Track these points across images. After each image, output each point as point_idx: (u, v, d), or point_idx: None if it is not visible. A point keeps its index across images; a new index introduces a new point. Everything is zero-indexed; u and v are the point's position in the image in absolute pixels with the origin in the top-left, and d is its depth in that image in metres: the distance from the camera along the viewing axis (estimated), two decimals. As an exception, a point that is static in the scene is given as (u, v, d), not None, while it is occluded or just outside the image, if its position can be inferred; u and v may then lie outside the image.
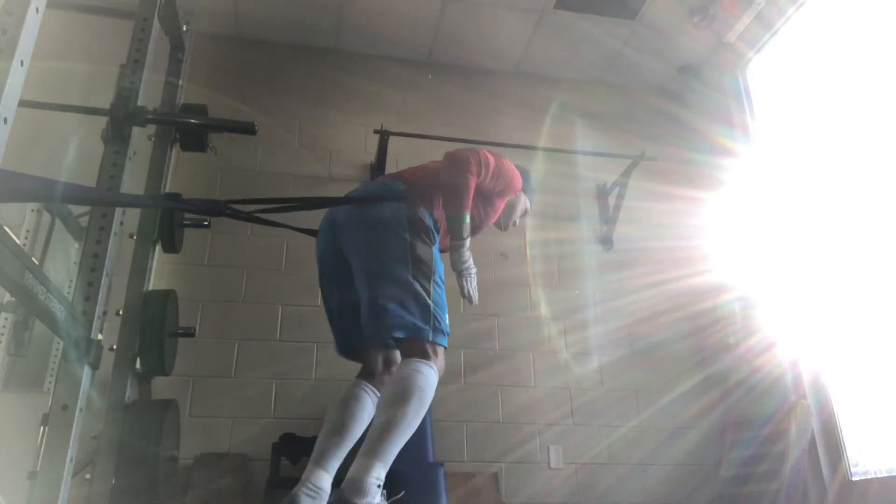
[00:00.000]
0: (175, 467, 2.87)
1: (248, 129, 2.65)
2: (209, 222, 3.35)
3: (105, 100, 2.34)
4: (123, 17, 2.74)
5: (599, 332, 4.13)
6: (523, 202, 2.36)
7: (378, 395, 1.96)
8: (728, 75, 4.46)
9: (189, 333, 3.02)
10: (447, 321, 1.88)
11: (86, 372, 1.93)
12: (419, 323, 1.80)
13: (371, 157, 4.19)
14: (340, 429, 1.90)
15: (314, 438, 3.30)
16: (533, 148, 4.29)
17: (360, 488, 1.62)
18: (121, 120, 2.28)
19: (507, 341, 3.96)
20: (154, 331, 2.68)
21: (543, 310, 4.10)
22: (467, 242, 2.01)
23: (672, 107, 4.78)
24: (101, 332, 2.06)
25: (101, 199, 2.02)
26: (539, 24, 4.36)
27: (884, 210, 3.29)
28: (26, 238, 3.24)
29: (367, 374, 2.03)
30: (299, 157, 4.19)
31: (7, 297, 2.84)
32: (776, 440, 3.52)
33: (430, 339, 1.81)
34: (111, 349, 2.57)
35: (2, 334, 3.17)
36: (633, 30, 4.40)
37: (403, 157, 4.22)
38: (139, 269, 2.85)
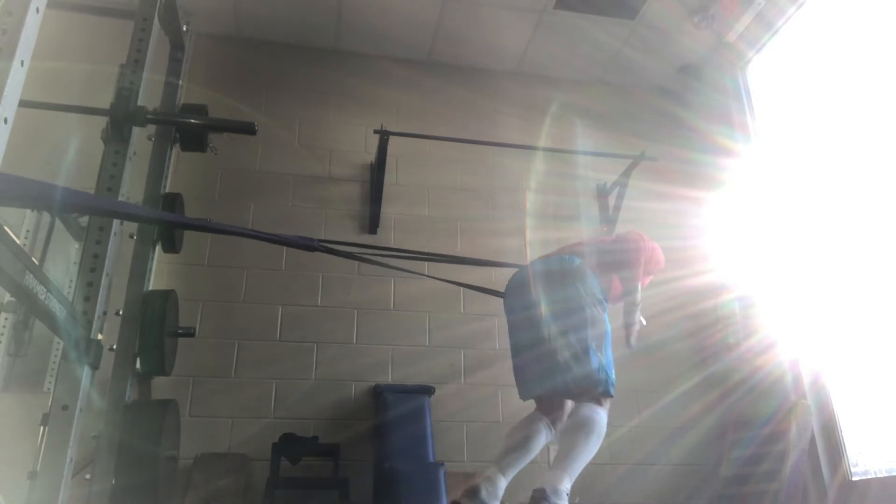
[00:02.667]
0: (175, 467, 2.88)
1: (248, 129, 2.66)
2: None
3: (105, 100, 2.35)
4: (123, 17, 2.74)
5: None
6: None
7: (552, 430, 2.34)
8: (728, 75, 4.46)
9: (189, 333, 3.02)
10: (613, 376, 2.33)
11: (86, 372, 1.93)
12: (601, 380, 2.25)
13: (371, 157, 4.19)
14: (524, 447, 2.24)
15: (314, 438, 3.34)
16: (533, 148, 4.29)
17: (557, 491, 2.06)
18: (121, 120, 2.28)
19: (507, 341, 3.94)
20: (154, 331, 2.69)
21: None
22: (639, 308, 2.54)
23: (672, 107, 4.78)
24: (101, 332, 2.07)
25: (150, 217, 2.08)
26: (539, 24, 4.36)
27: (884, 210, 3.29)
28: (26, 238, 3.24)
29: (548, 410, 2.37)
30: (299, 157, 4.18)
31: (7, 297, 2.84)
32: (776, 440, 3.52)
33: (604, 391, 2.25)
34: (111, 349, 2.57)
35: (2, 334, 3.17)
36: (633, 30, 4.40)
37: (403, 156, 4.23)
38: (139, 269, 2.86)
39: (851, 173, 3.52)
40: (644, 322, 2.56)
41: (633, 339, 2.53)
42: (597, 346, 2.29)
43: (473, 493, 2.09)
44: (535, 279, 2.45)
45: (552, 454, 3.75)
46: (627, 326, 2.53)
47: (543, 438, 2.30)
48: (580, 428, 2.15)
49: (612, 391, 2.29)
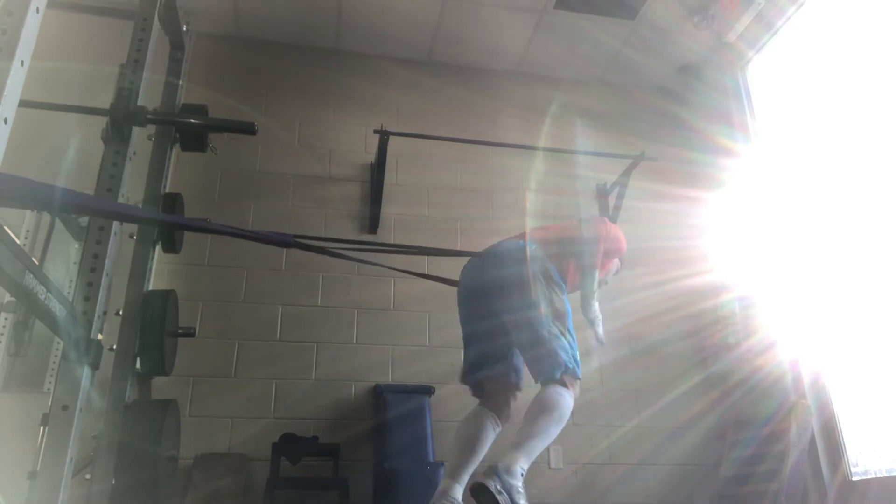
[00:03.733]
0: (175, 467, 2.88)
1: (248, 129, 2.66)
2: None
3: (105, 100, 2.35)
4: (123, 17, 2.74)
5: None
6: (616, 264, 2.74)
7: (499, 425, 2.31)
8: (728, 75, 4.46)
9: (189, 333, 3.02)
10: (578, 356, 2.26)
11: (86, 372, 1.93)
12: (565, 362, 2.18)
13: (371, 157, 4.19)
14: (472, 448, 2.20)
15: (314, 438, 3.34)
16: (533, 148, 4.29)
17: (509, 470, 1.96)
18: (121, 120, 2.28)
19: (507, 341, 3.95)
20: (154, 331, 2.69)
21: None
22: (595, 296, 2.47)
23: (672, 107, 4.78)
24: (101, 332, 2.07)
25: (154, 220, 2.08)
26: (539, 24, 4.36)
27: (884, 210, 3.29)
28: (26, 238, 3.24)
29: (493, 406, 2.34)
30: (299, 157, 4.18)
31: (7, 297, 2.84)
32: (776, 440, 3.52)
33: (569, 372, 2.18)
34: (111, 349, 2.57)
35: (2, 334, 3.17)
36: (633, 30, 4.40)
37: (403, 156, 4.23)
38: (139, 269, 2.85)
39: (851, 173, 3.52)
40: (601, 316, 2.48)
41: (599, 330, 2.48)
42: (559, 328, 2.25)
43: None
44: (490, 264, 2.42)
45: (552, 454, 3.76)
46: (587, 316, 2.48)
47: (491, 434, 2.27)
48: (542, 410, 2.10)
49: (579, 372, 2.23)
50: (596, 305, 2.47)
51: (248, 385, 3.56)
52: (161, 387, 3.20)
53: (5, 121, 1.27)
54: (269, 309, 3.75)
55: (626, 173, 4.23)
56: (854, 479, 3.35)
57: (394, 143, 3.93)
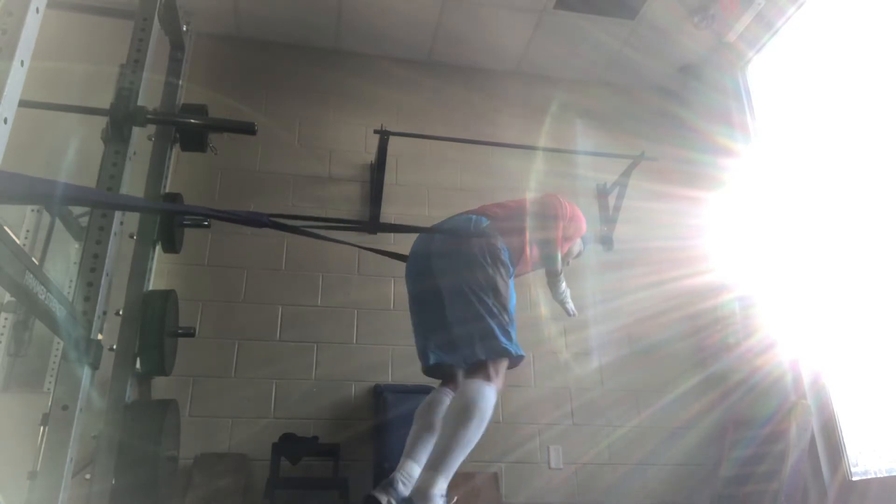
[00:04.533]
0: (175, 467, 2.88)
1: (248, 129, 2.65)
2: (209, 222, 3.35)
3: (105, 100, 2.34)
4: (123, 17, 2.74)
5: (599, 332, 4.13)
6: (578, 244, 2.63)
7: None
8: (728, 75, 4.46)
9: (189, 333, 3.02)
10: (515, 345, 2.14)
11: (86, 372, 1.93)
12: (501, 345, 2.06)
13: (371, 157, 4.19)
14: (429, 427, 2.12)
15: (314, 438, 3.34)
16: (533, 148, 4.29)
17: (426, 497, 1.84)
18: (121, 120, 2.28)
19: (507, 341, 3.95)
20: (154, 331, 2.69)
21: (543, 310, 4.09)
22: (561, 276, 2.38)
23: (672, 107, 4.78)
24: (101, 332, 2.07)
25: (131, 206, 2.07)
26: (539, 24, 4.36)
27: (884, 210, 3.29)
28: (26, 238, 3.24)
29: (449, 383, 2.28)
30: (299, 157, 4.18)
31: (7, 297, 2.84)
32: (776, 440, 3.52)
33: (507, 352, 2.07)
34: (111, 349, 2.57)
35: (2, 334, 3.17)
36: (633, 30, 4.40)
37: (403, 156, 4.23)
38: (139, 269, 2.85)
39: (851, 173, 3.52)
40: (567, 291, 2.41)
41: (570, 307, 2.41)
42: (498, 307, 2.11)
43: (390, 485, 1.98)
44: (438, 238, 2.30)
45: (552, 454, 3.76)
46: (556, 297, 2.41)
47: None
48: (462, 416, 1.93)
49: (520, 351, 2.11)
50: (563, 285, 2.38)
51: (248, 385, 3.56)
52: (161, 387, 3.20)
53: (5, 121, 1.27)
54: (269, 309, 3.75)
55: (626, 173, 4.23)
56: (854, 479, 3.35)
57: (394, 143, 3.93)
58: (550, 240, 2.34)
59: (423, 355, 2.34)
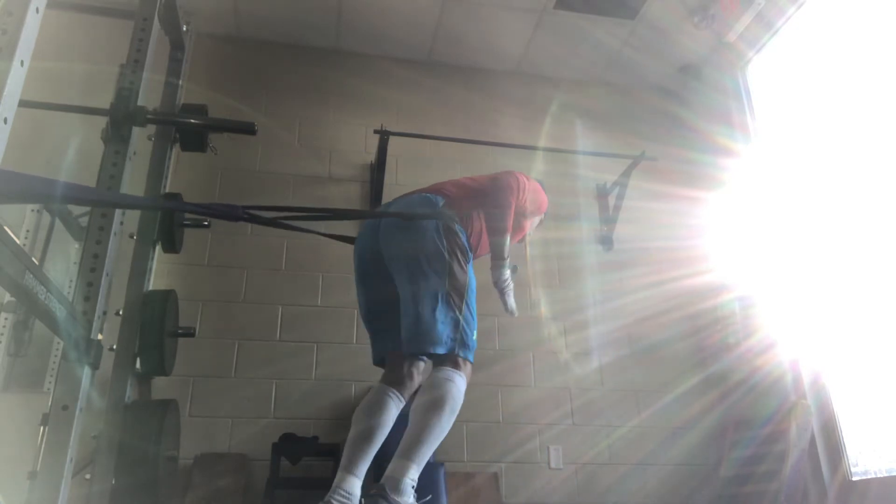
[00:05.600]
0: (175, 467, 2.88)
1: (248, 129, 2.65)
2: (209, 222, 3.35)
3: (105, 100, 2.34)
4: (123, 17, 2.74)
5: (599, 332, 4.13)
6: (540, 219, 2.51)
7: (402, 400, 2.05)
8: (728, 75, 4.46)
9: (189, 333, 3.02)
10: (475, 337, 1.98)
11: (86, 372, 1.93)
12: (449, 338, 1.91)
13: (371, 157, 4.19)
14: (368, 435, 1.95)
15: (314, 438, 3.34)
16: (533, 148, 4.29)
17: (397, 487, 1.72)
18: (121, 120, 2.28)
19: (507, 341, 3.96)
20: (154, 331, 2.69)
21: (543, 310, 4.09)
22: (507, 262, 2.14)
23: (672, 107, 4.78)
24: (101, 332, 2.06)
25: (111, 201, 2.02)
26: (539, 24, 4.36)
27: (884, 210, 3.29)
28: (26, 238, 3.24)
29: (393, 380, 2.08)
30: (299, 157, 4.19)
31: (7, 297, 2.84)
32: (776, 440, 3.52)
33: (458, 353, 1.92)
34: (111, 349, 2.57)
35: (2, 334, 3.17)
36: (633, 30, 4.40)
37: (403, 156, 4.23)
38: (139, 269, 2.85)
39: (851, 173, 3.52)
40: (512, 285, 2.15)
41: (509, 301, 2.16)
42: (455, 300, 1.94)
43: None
44: (392, 222, 2.09)
45: (552, 454, 3.76)
46: (496, 285, 2.14)
47: (394, 413, 2.01)
48: (430, 404, 1.81)
49: (470, 356, 1.94)
50: (507, 273, 2.13)
51: (248, 385, 3.56)
52: (161, 387, 3.20)
53: (5, 121, 1.27)
54: (269, 309, 3.75)
55: (626, 173, 4.23)
56: (854, 479, 3.35)
57: (394, 143, 3.93)
58: (501, 221, 2.13)
59: (374, 344, 2.19)
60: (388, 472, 1.77)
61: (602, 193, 4.50)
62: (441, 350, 1.89)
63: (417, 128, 4.09)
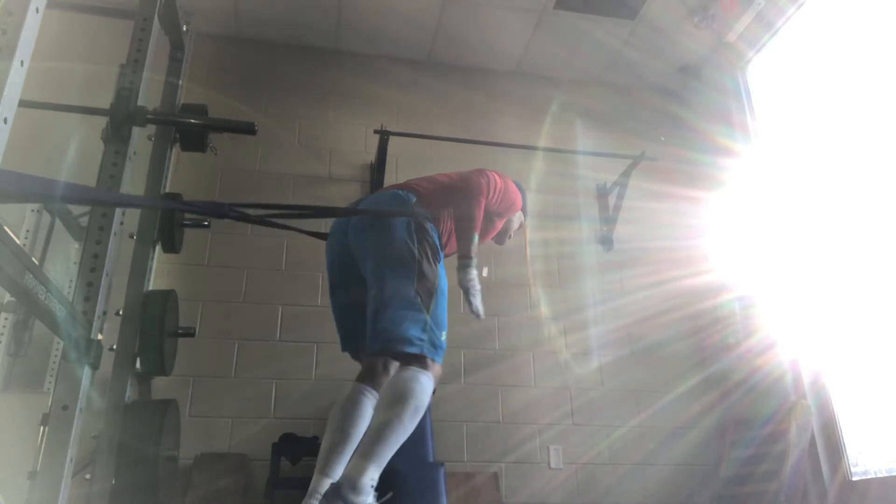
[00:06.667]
0: (175, 467, 2.88)
1: (248, 129, 2.65)
2: (209, 222, 3.35)
3: (105, 100, 2.34)
4: (123, 17, 2.74)
5: (599, 332, 4.13)
6: (519, 218, 2.47)
7: (377, 396, 2.01)
8: (728, 75, 4.46)
9: (189, 333, 3.02)
10: (444, 338, 1.94)
11: (86, 372, 1.93)
12: (417, 339, 1.87)
13: (371, 157, 4.20)
14: (343, 436, 1.93)
15: (314, 438, 3.33)
16: (533, 148, 4.29)
17: (355, 487, 1.68)
18: (121, 120, 2.28)
19: (507, 341, 3.96)
20: (154, 331, 2.68)
21: (543, 310, 4.09)
22: (474, 261, 2.09)
23: (672, 107, 4.78)
24: (101, 332, 2.06)
25: (103, 200, 2.02)
26: (539, 24, 4.36)
27: (884, 210, 3.29)
28: (26, 238, 3.24)
29: (368, 377, 2.06)
30: (299, 157, 4.19)
31: (7, 297, 2.84)
32: (776, 440, 3.52)
33: (425, 353, 1.87)
34: (111, 349, 2.57)
35: (2, 334, 3.17)
36: (633, 30, 4.40)
37: (403, 156, 4.23)
38: (139, 269, 2.85)
39: (851, 173, 3.52)
40: (478, 287, 2.10)
41: (475, 302, 2.09)
42: (424, 300, 1.90)
43: None
44: (361, 219, 2.07)
45: (552, 454, 3.76)
46: (461, 284, 2.08)
47: (369, 411, 1.97)
48: (394, 402, 1.78)
49: (438, 357, 1.90)
50: (473, 273, 2.08)
51: (248, 385, 3.56)
52: (161, 387, 3.20)
53: (5, 121, 1.27)
54: (269, 309, 3.75)
55: (626, 173, 4.23)
56: (854, 479, 3.35)
57: (394, 143, 3.93)
58: (468, 219, 2.10)
59: (343, 340, 2.17)
60: (345, 471, 1.75)
61: (602, 193, 4.50)
62: (408, 349, 1.86)
63: (417, 128, 4.09)
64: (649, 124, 4.69)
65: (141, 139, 2.50)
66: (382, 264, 1.96)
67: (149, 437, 2.45)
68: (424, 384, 1.82)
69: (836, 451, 3.46)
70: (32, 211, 3.33)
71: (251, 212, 2.02)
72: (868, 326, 3.35)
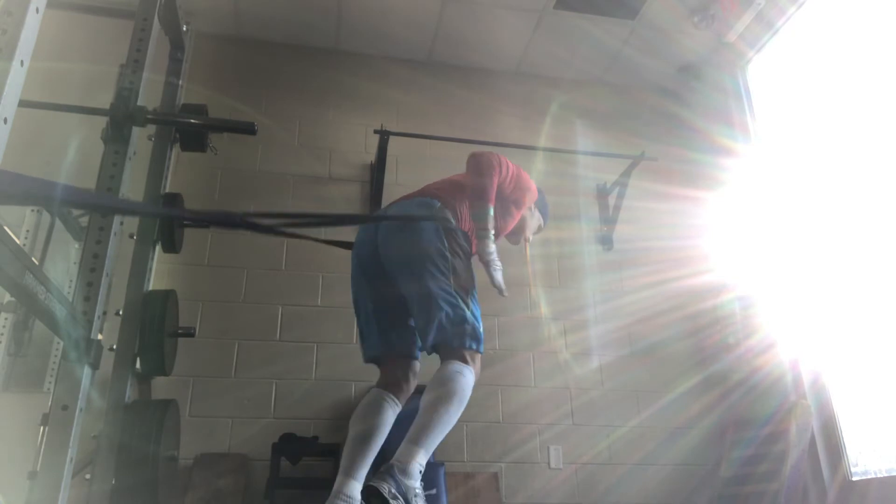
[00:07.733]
0: (175, 467, 2.88)
1: (248, 129, 2.66)
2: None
3: (105, 100, 2.35)
4: (123, 17, 2.74)
5: (599, 332, 4.13)
6: (537, 218, 2.51)
7: (399, 404, 2.10)
8: (728, 75, 4.46)
9: (189, 333, 3.02)
10: (482, 329, 2.02)
11: (86, 372, 1.93)
12: (462, 332, 1.96)
13: (371, 157, 4.20)
14: (367, 439, 1.98)
15: (314, 438, 3.34)
16: (533, 148, 4.29)
17: (406, 470, 1.74)
18: (121, 120, 2.28)
19: (507, 341, 3.96)
20: (154, 331, 2.69)
21: (543, 310, 4.09)
22: (492, 234, 2.15)
23: (672, 106, 4.78)
24: (101, 332, 2.06)
25: (112, 208, 2.03)
26: (539, 24, 4.36)
27: (884, 210, 3.29)
28: (26, 238, 3.24)
29: (389, 384, 2.12)
30: (299, 157, 4.18)
31: (7, 297, 2.84)
32: (776, 440, 3.52)
33: (469, 346, 1.96)
34: (111, 349, 2.57)
35: (2, 334, 3.17)
36: (633, 30, 4.40)
37: (403, 156, 4.23)
38: (139, 269, 2.85)
39: (851, 173, 3.52)
40: (498, 263, 2.14)
41: (496, 277, 2.14)
42: (461, 297, 1.99)
43: None
44: (390, 227, 2.14)
45: (552, 454, 3.76)
46: (481, 258, 2.14)
47: (391, 418, 2.05)
48: (442, 395, 1.86)
49: (481, 347, 2.00)
50: (492, 246, 2.14)
51: (248, 385, 3.56)
52: (161, 387, 3.20)
53: (5, 121, 1.27)
54: (269, 309, 3.75)
55: (626, 173, 4.23)
56: (854, 479, 3.35)
57: (394, 143, 3.93)
58: (482, 190, 2.15)
59: (368, 348, 2.20)
60: (396, 455, 1.78)
61: (602, 193, 4.50)
62: (455, 343, 1.94)
63: (417, 128, 4.09)
64: (649, 124, 4.69)
65: (141, 139, 2.50)
66: (418, 267, 2.02)
67: (149, 437, 2.45)
68: (468, 378, 1.91)
69: (836, 451, 3.46)
70: (32, 211, 3.33)
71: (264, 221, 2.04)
72: (868, 326, 3.35)
